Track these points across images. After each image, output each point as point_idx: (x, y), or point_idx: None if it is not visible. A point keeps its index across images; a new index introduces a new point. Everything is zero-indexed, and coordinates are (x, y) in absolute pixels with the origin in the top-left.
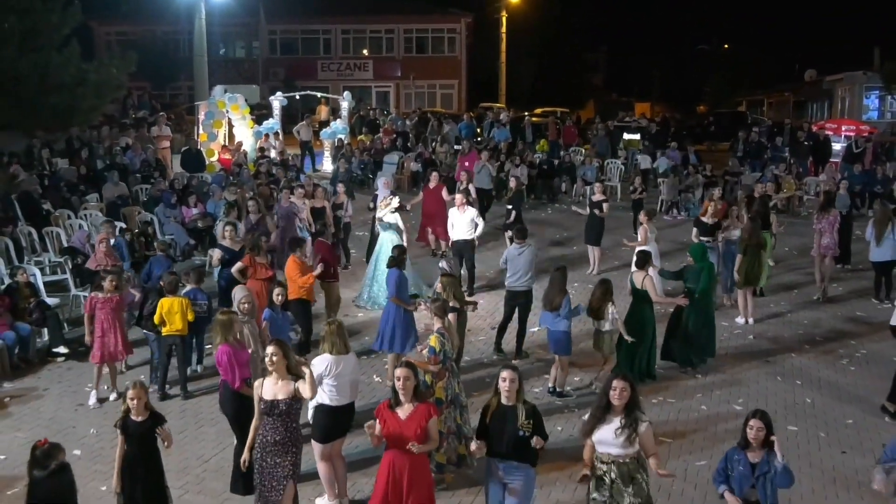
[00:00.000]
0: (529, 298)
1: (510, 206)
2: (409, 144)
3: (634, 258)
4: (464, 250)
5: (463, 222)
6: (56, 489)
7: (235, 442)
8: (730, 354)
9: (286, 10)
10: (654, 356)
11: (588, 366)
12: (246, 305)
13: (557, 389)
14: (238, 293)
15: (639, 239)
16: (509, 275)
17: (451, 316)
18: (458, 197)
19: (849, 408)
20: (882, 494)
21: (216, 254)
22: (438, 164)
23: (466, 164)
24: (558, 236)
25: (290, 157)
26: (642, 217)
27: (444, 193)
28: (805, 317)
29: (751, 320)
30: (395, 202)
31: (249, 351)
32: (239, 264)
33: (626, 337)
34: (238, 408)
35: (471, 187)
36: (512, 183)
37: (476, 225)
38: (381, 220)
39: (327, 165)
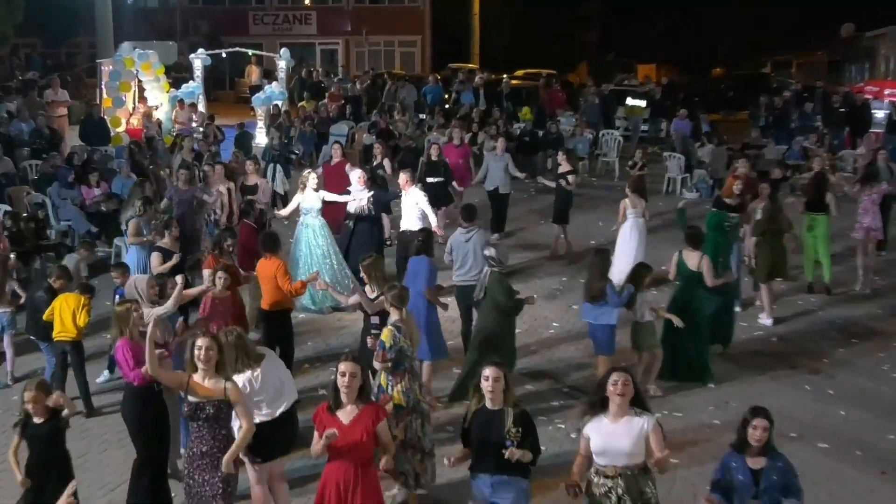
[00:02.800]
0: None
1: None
2: (361, 112)
3: (687, 236)
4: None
5: (408, 207)
6: None
7: (137, 459)
8: (749, 359)
9: None
10: (705, 353)
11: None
12: (154, 290)
13: None
14: (139, 281)
15: (631, 211)
16: (456, 267)
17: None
18: (403, 176)
19: (891, 422)
20: None
21: (155, 258)
22: (396, 136)
23: (459, 160)
24: (544, 221)
25: (214, 131)
26: (627, 189)
27: (349, 170)
28: (838, 314)
29: (769, 321)
30: (313, 180)
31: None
32: (206, 272)
33: (678, 323)
34: (140, 412)
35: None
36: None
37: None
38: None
39: (260, 138)
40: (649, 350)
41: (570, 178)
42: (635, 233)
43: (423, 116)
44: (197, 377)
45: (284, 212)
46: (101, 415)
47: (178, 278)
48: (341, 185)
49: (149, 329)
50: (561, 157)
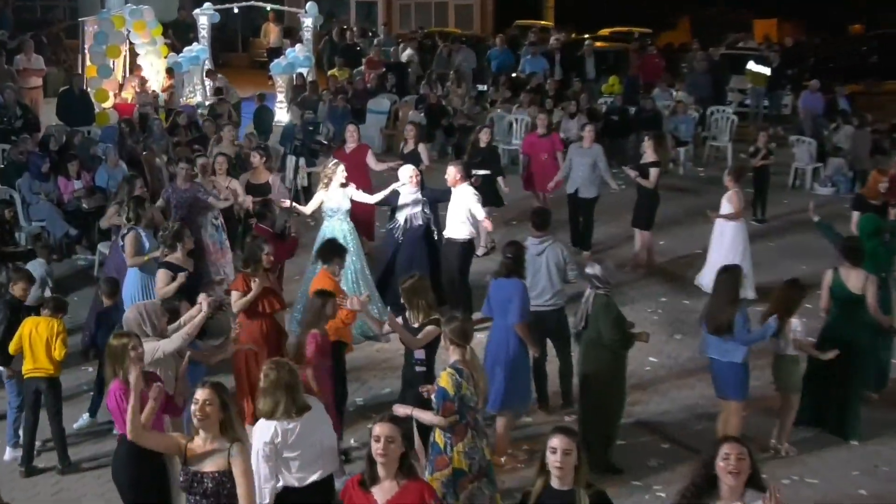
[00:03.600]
0: (564, 322)
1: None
2: (406, 84)
3: (846, 249)
4: (454, 258)
5: (455, 209)
6: None
7: None
8: None
9: None
10: (855, 401)
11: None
12: (165, 319)
13: None
14: (144, 309)
15: (727, 209)
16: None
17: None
18: (452, 169)
19: None
20: None
21: (162, 277)
22: (450, 114)
23: (543, 155)
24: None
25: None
26: (727, 180)
27: (371, 160)
28: None
29: None
30: (341, 173)
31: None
32: (234, 295)
33: (825, 356)
34: (135, 474)
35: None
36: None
37: (474, 220)
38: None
39: (281, 115)
40: (786, 392)
41: (653, 172)
42: (740, 238)
43: (482, 88)
44: (197, 439)
45: (307, 208)
46: (79, 471)
47: (202, 297)
48: (357, 179)
49: (131, 378)
50: (647, 143)
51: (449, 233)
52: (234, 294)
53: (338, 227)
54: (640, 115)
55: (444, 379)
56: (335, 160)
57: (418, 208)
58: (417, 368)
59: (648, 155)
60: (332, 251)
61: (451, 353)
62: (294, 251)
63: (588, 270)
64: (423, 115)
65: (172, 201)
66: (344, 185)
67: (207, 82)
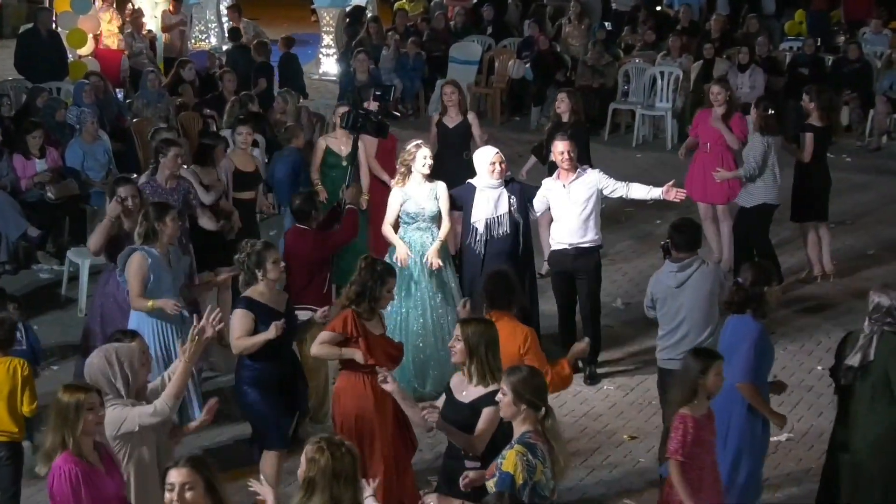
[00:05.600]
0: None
1: None
2: (504, 21)
3: None
4: (584, 272)
5: (568, 204)
6: None
7: None
8: None
9: None
10: None
11: None
12: (142, 375)
13: None
14: (115, 354)
15: None
16: (662, 333)
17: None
18: (561, 145)
19: None
20: None
21: (238, 323)
22: (567, 65)
23: (719, 143)
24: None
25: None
26: None
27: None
28: None
29: None
30: (423, 158)
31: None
32: (354, 353)
33: None
34: None
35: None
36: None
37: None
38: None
39: (328, 66)
40: None
41: (807, 140)
42: None
43: (610, 27)
44: None
45: (389, 231)
46: None
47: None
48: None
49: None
50: (806, 98)
51: (560, 240)
52: (326, 334)
53: (417, 240)
54: (841, 66)
55: (511, 460)
56: (415, 141)
57: (504, 209)
58: (468, 463)
59: (811, 115)
60: (509, 290)
61: (518, 423)
62: (357, 226)
63: (876, 299)
64: (528, 65)
65: (150, 197)
66: (428, 177)
67: (226, 20)
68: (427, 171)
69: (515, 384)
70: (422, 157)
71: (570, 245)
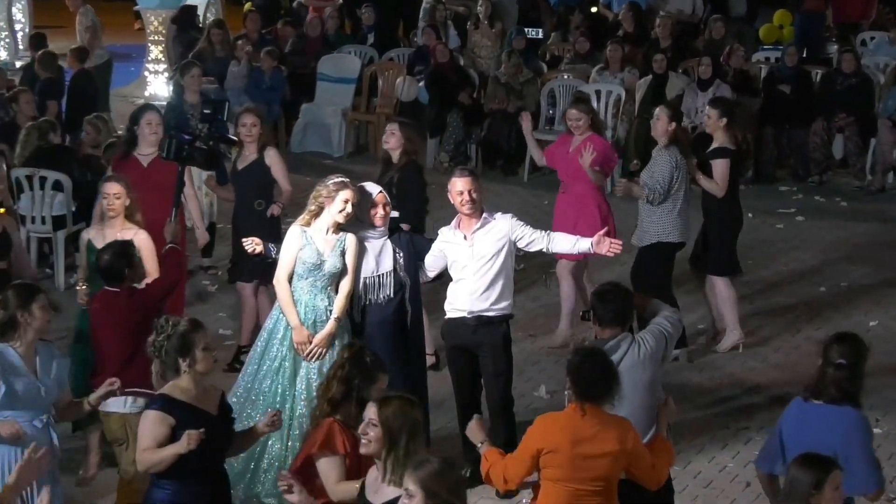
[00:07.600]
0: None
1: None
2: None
3: None
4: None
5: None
6: None
7: None
8: None
9: None
10: None
11: None
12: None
13: None
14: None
15: None
16: None
17: None
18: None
19: None
20: None
21: (149, 426)
22: (476, 82)
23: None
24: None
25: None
26: None
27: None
28: None
29: None
30: (345, 204)
31: None
32: (325, 464)
33: None
34: None
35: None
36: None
37: None
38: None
39: (157, 86)
40: None
41: (717, 167)
42: None
43: (534, 34)
44: None
45: (285, 290)
46: None
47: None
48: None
49: None
50: (710, 111)
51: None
52: (325, 462)
53: (309, 303)
54: (833, 81)
55: None
56: (339, 178)
57: (387, 265)
58: None
59: (717, 136)
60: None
61: None
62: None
63: None
64: (421, 84)
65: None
66: (341, 229)
67: (19, 28)
68: (342, 221)
69: (425, 481)
70: (342, 200)
71: (469, 313)
